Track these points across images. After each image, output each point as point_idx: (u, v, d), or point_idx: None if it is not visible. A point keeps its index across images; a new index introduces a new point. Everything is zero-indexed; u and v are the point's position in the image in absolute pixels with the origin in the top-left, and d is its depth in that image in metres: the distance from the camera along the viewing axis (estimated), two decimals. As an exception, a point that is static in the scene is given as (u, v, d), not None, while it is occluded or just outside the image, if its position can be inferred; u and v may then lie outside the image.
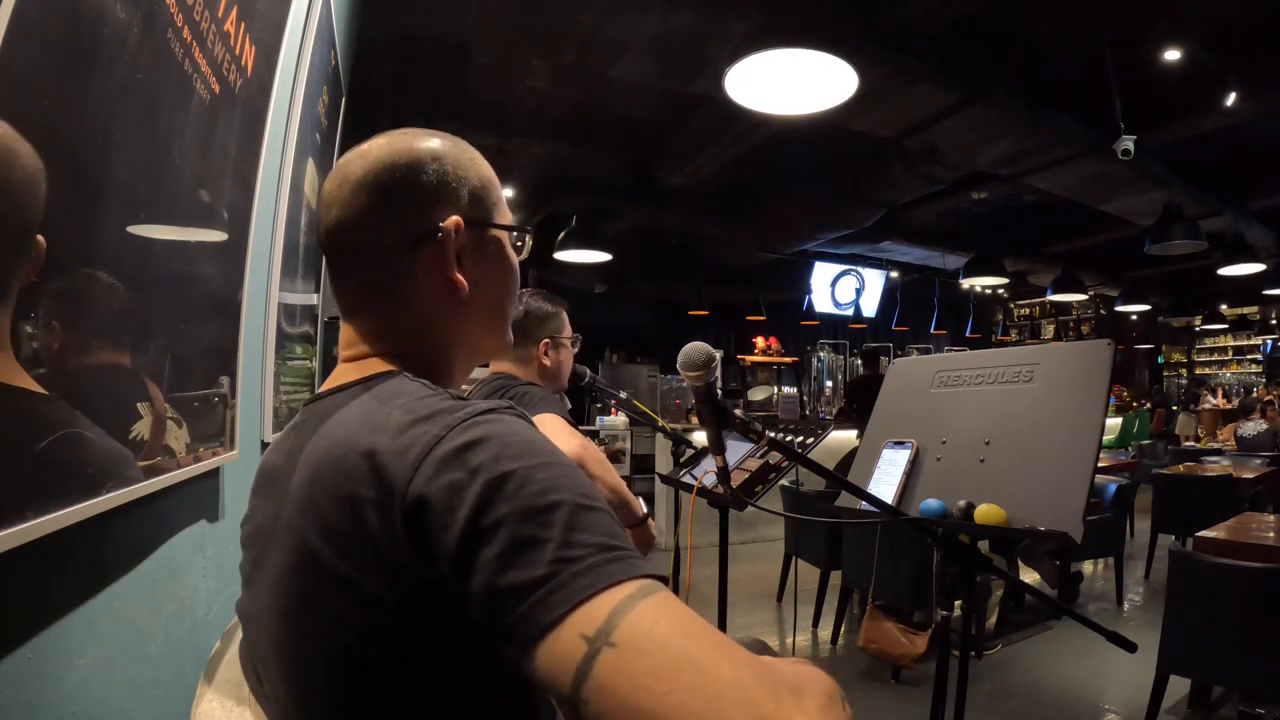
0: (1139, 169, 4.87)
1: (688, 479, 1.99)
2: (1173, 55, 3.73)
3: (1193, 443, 7.51)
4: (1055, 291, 7.60)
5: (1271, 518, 2.99)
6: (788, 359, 9.47)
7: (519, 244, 0.75)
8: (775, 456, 1.78)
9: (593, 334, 2.16)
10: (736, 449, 1.92)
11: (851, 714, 0.45)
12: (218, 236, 1.01)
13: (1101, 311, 12.06)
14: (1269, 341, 11.71)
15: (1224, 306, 11.36)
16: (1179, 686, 2.53)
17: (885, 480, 1.44)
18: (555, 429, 1.52)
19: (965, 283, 7.61)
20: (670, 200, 6.16)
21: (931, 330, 9.83)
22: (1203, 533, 2.62)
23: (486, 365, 1.80)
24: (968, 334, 10.44)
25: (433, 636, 0.53)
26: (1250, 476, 4.69)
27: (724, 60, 2.78)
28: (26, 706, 0.60)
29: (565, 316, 1.80)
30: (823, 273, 8.85)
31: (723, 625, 1.94)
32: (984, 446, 1.33)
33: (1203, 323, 10.87)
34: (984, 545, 3.25)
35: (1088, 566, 4.72)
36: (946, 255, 8.14)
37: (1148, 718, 2.42)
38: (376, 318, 0.69)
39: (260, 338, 1.35)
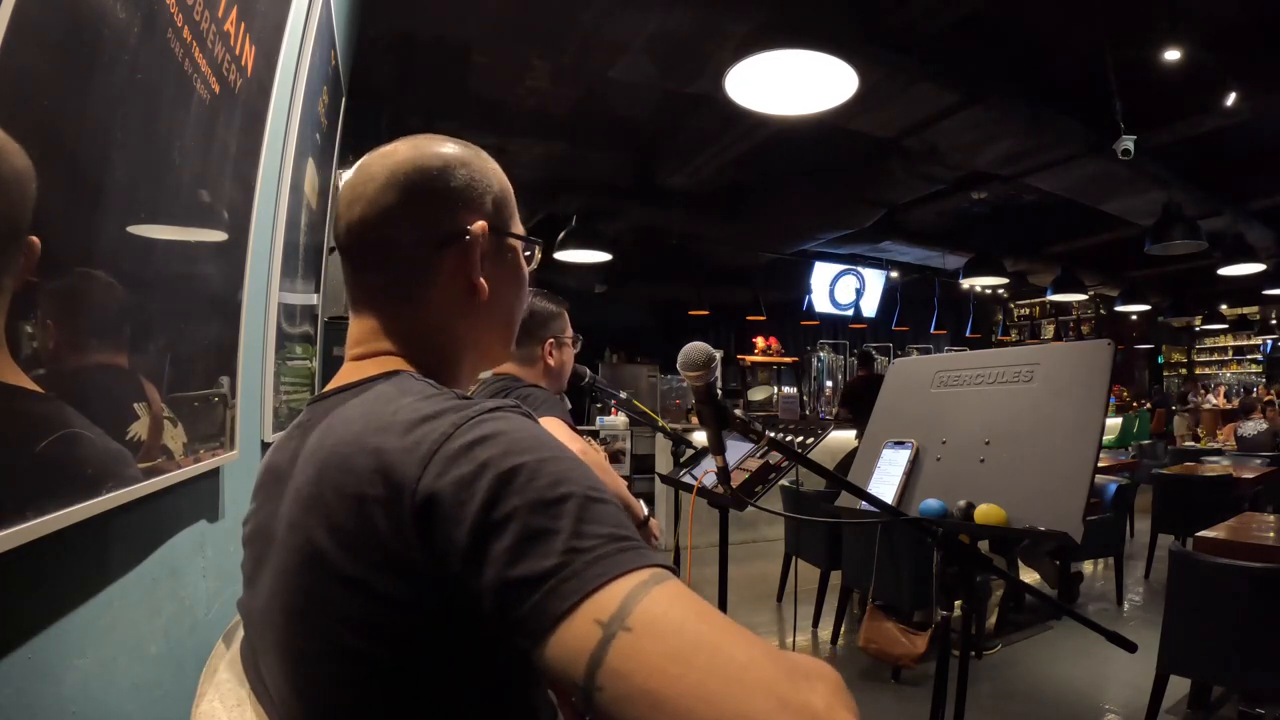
0: (1139, 169, 4.86)
1: (688, 479, 1.99)
2: (1173, 55, 3.73)
3: (1192, 443, 7.50)
4: (1055, 291, 7.60)
5: (1271, 518, 2.99)
6: (788, 359, 9.46)
7: (529, 255, 0.77)
8: (775, 456, 1.78)
9: (593, 334, 2.16)
10: (736, 449, 1.92)
11: (855, 704, 0.45)
12: (218, 236, 1.01)
13: (1101, 311, 12.06)
14: (1269, 341, 11.70)
15: (1224, 306, 11.36)
16: (1179, 686, 2.53)
17: (885, 480, 1.44)
18: (556, 432, 1.52)
19: (965, 283, 7.61)
20: (670, 200, 6.15)
21: (931, 330, 9.83)
22: (1203, 533, 2.62)
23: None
24: (968, 334, 10.44)
25: (438, 634, 0.53)
26: (1250, 476, 4.69)
27: (724, 60, 2.79)
28: (26, 706, 0.60)
29: (567, 317, 1.81)
30: (823, 273, 8.85)
31: (723, 625, 1.93)
32: (984, 446, 1.33)
33: (1203, 323, 10.87)
34: (984, 545, 3.25)
35: (1088, 566, 4.72)
36: (946, 255, 8.14)
37: (1148, 718, 2.42)
38: (391, 316, 0.70)
39: (260, 338, 1.35)
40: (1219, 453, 6.31)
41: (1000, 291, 10.61)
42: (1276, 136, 4.94)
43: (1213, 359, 12.64)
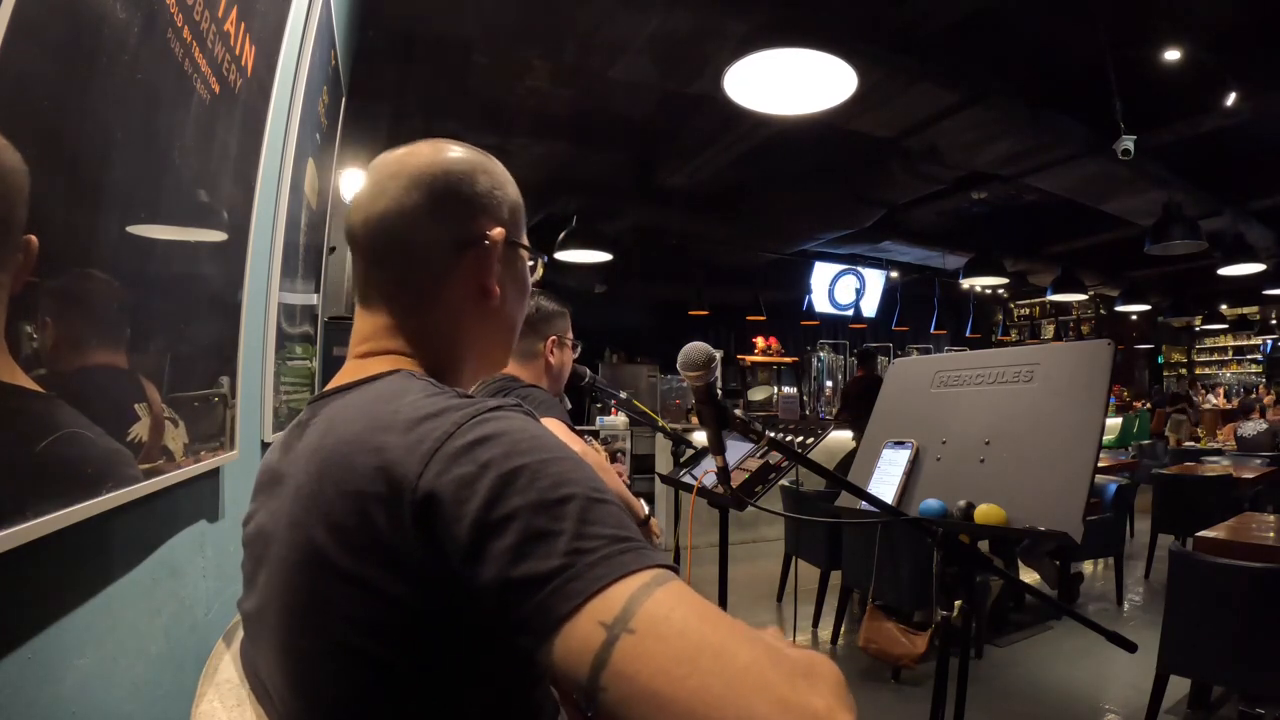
0: (1139, 169, 4.87)
1: (688, 479, 1.99)
2: (1173, 55, 3.73)
3: (1192, 443, 7.50)
4: (1055, 291, 7.61)
5: (1271, 518, 2.99)
6: (788, 359, 9.46)
7: (532, 266, 0.78)
8: (775, 456, 1.78)
9: (593, 334, 2.16)
10: (736, 449, 1.92)
11: (854, 702, 0.45)
12: (218, 236, 1.01)
13: (1101, 311, 12.06)
14: (1269, 341, 11.70)
15: (1224, 306, 11.36)
16: (1179, 686, 2.53)
17: (885, 480, 1.44)
18: (556, 433, 1.52)
19: (965, 283, 7.61)
20: (670, 200, 6.15)
21: (931, 330, 9.83)
22: (1203, 533, 2.62)
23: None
24: (968, 334, 10.45)
25: (438, 632, 0.53)
26: (1250, 476, 4.69)
27: (724, 60, 2.78)
28: (26, 706, 0.60)
29: (569, 319, 1.81)
30: (823, 273, 8.85)
31: (723, 625, 1.93)
32: (984, 446, 1.33)
33: (1203, 323, 10.87)
34: (983, 545, 3.25)
35: (1088, 566, 4.72)
36: (946, 255, 8.14)
37: (1148, 718, 2.42)
38: (402, 314, 0.70)
39: (260, 338, 1.35)
40: (1219, 453, 6.30)
41: (1000, 291, 10.61)
42: (1276, 136, 4.94)
43: (1213, 359, 12.64)
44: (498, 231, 0.71)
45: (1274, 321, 11.70)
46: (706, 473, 1.88)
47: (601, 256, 5.80)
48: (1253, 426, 6.39)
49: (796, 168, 5.72)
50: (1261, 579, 2.13)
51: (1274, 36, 3.67)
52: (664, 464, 5.31)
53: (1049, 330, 12.95)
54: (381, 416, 0.56)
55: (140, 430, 0.77)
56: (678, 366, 1.03)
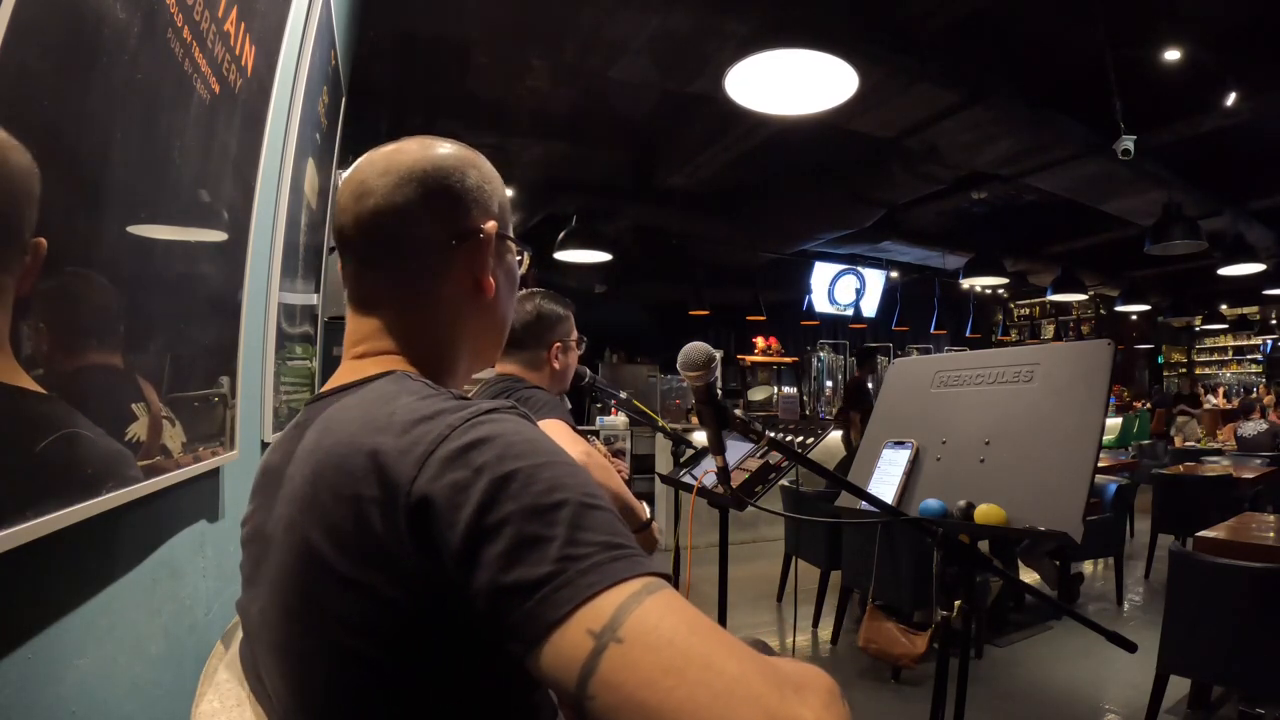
0: (1139, 169, 4.87)
1: (688, 479, 1.99)
2: (1173, 55, 3.73)
3: (1193, 443, 7.50)
4: (1055, 291, 7.61)
5: (1271, 518, 2.99)
6: (788, 359, 9.47)
7: (519, 260, 0.79)
8: (775, 456, 1.78)
9: (593, 334, 2.16)
10: (736, 449, 1.92)
11: (849, 713, 0.45)
12: (218, 236, 1.01)
13: (1101, 311, 12.07)
14: (1269, 341, 11.71)
15: (1224, 306, 11.36)
16: (1179, 686, 2.52)
17: (885, 480, 1.44)
18: (559, 435, 1.52)
19: (965, 283, 7.61)
20: (670, 200, 6.15)
21: (931, 330, 9.83)
22: (1203, 533, 2.62)
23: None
24: (968, 334, 10.44)
25: (435, 635, 0.53)
26: (1250, 476, 4.69)
27: (724, 60, 2.79)
28: (26, 706, 0.60)
29: (572, 319, 1.81)
30: (823, 273, 8.85)
31: (722, 625, 1.93)
32: (984, 446, 1.33)
33: (1203, 323, 10.87)
34: (983, 545, 3.24)
35: (1088, 566, 4.72)
36: (946, 255, 8.14)
37: (1148, 718, 2.42)
38: (396, 312, 0.70)
39: (260, 338, 1.35)
40: (1219, 453, 6.30)
41: (1000, 291, 10.62)
42: (1276, 136, 4.94)
43: (1213, 359, 12.64)
44: (490, 225, 0.71)
45: (1274, 321, 11.71)
46: (706, 473, 1.88)
47: (601, 256, 5.80)
48: (1253, 426, 6.39)
49: (796, 168, 5.72)
50: (1261, 579, 2.13)
51: (1274, 36, 3.67)
52: (664, 464, 5.31)
53: (1049, 330, 12.95)
54: (377, 419, 0.56)
55: (138, 430, 0.77)
56: (678, 366, 1.03)
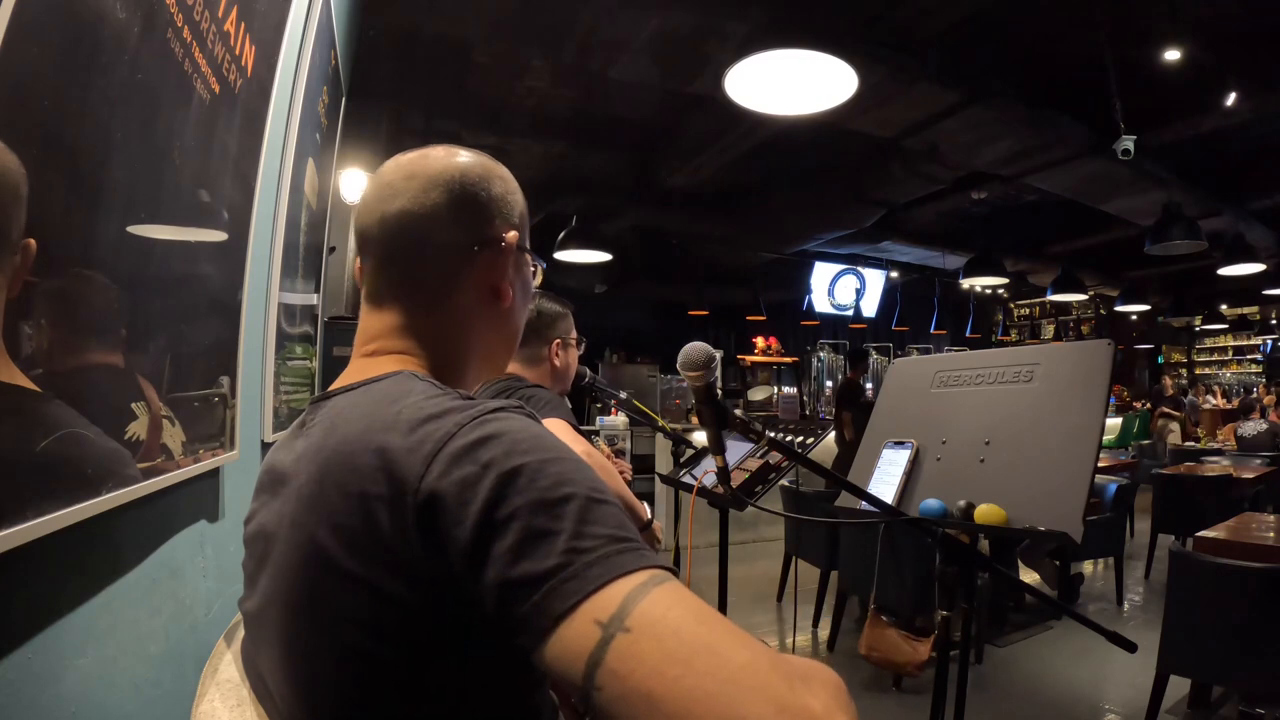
0: (1139, 169, 4.86)
1: (688, 479, 1.99)
2: (1173, 55, 3.73)
3: (1193, 443, 7.49)
4: (1055, 291, 7.60)
5: (1271, 518, 2.99)
6: (788, 359, 9.47)
7: (534, 271, 0.80)
8: (775, 456, 1.78)
9: (593, 334, 2.17)
10: (736, 449, 1.92)
11: (855, 709, 0.45)
12: (218, 236, 1.01)
13: (1101, 311, 12.07)
14: (1269, 341, 11.71)
15: (1224, 306, 11.36)
16: (1179, 686, 2.52)
17: (885, 480, 1.44)
18: (561, 434, 1.51)
19: (965, 283, 7.61)
20: (670, 200, 6.16)
21: (931, 330, 9.84)
22: (1203, 533, 2.62)
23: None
24: (968, 334, 10.45)
25: (439, 633, 0.53)
26: (1250, 476, 4.69)
27: (724, 60, 2.78)
28: (26, 706, 0.60)
29: (572, 319, 1.81)
30: (823, 273, 8.85)
31: (723, 625, 1.93)
32: (984, 446, 1.33)
33: (1203, 323, 10.86)
34: (983, 545, 3.24)
35: (1088, 566, 4.72)
36: (946, 255, 8.15)
37: (1148, 718, 2.42)
38: (413, 313, 0.70)
39: (260, 338, 1.35)
40: (1219, 453, 6.30)
41: (1000, 291, 10.61)
42: (1276, 136, 4.94)
43: (1213, 359, 12.64)
44: (512, 235, 0.72)
45: (1274, 321, 11.71)
46: (706, 473, 1.88)
47: (601, 256, 5.80)
48: (1253, 426, 6.39)
49: (796, 168, 5.72)
50: (1261, 579, 2.13)
51: (1274, 36, 3.67)
52: (664, 464, 5.31)
53: (1049, 330, 12.96)
54: (384, 417, 0.57)
55: (138, 429, 0.77)
56: (678, 366, 1.03)
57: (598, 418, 6.13)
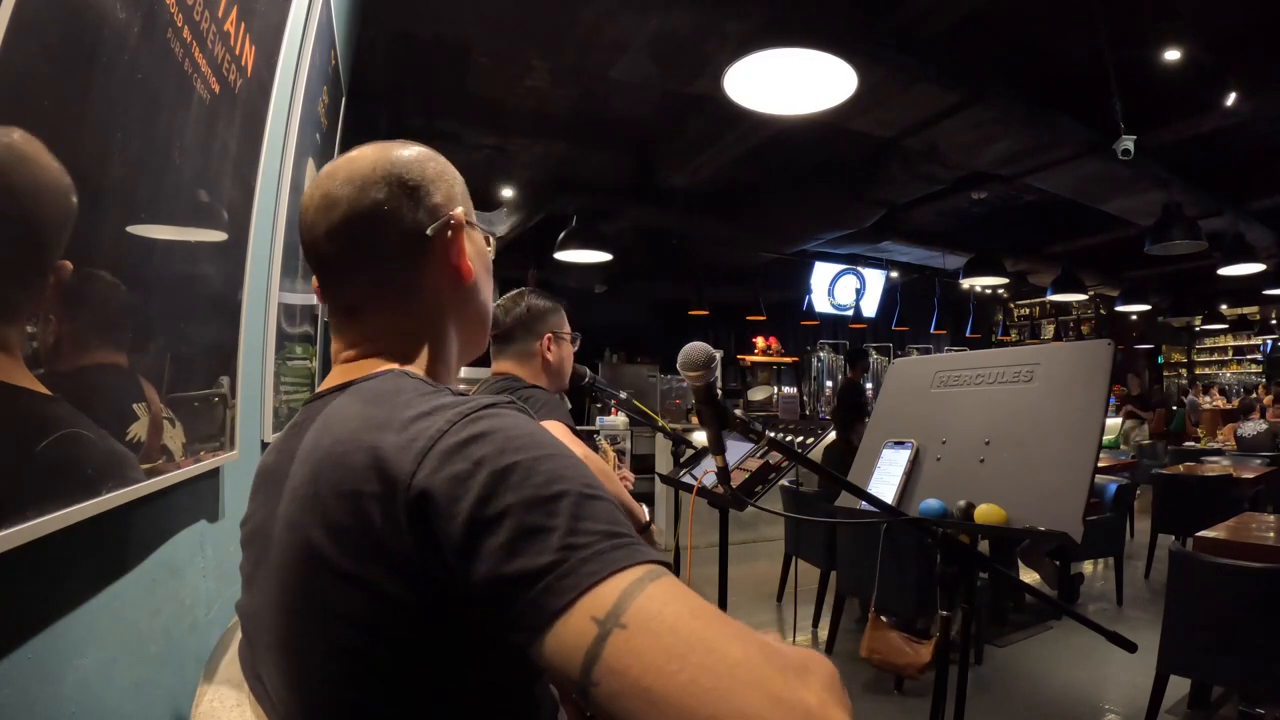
0: (1139, 169, 4.86)
1: (688, 479, 1.99)
2: (1173, 55, 3.73)
3: (1192, 443, 7.49)
4: (1055, 291, 7.60)
5: (1271, 518, 2.99)
6: (788, 359, 9.48)
7: (486, 241, 0.80)
8: (775, 456, 1.78)
9: (593, 334, 2.16)
10: (736, 449, 1.92)
11: (849, 700, 0.45)
12: (218, 236, 1.01)
13: (1101, 311, 12.07)
14: (1269, 341, 11.71)
15: (1224, 306, 11.36)
16: (1179, 686, 2.53)
17: (885, 480, 1.44)
18: (558, 436, 1.51)
19: (965, 283, 7.61)
20: (670, 200, 6.15)
21: (931, 330, 9.83)
22: (1203, 533, 2.62)
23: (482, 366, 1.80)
24: (968, 334, 10.44)
25: (436, 630, 0.53)
26: (1250, 476, 4.69)
27: (724, 60, 2.78)
28: (26, 706, 0.60)
29: (564, 314, 1.81)
30: (823, 273, 8.85)
31: (723, 625, 1.93)
32: (984, 446, 1.33)
33: (1203, 323, 10.86)
34: (983, 545, 3.24)
35: (1088, 566, 4.72)
36: (946, 255, 8.14)
37: (1148, 718, 2.42)
38: (381, 313, 0.70)
39: (260, 338, 1.35)
40: (1219, 453, 6.30)
41: (1000, 291, 10.61)
42: (1276, 136, 4.93)
43: (1213, 359, 12.64)
44: (458, 211, 0.72)
45: (1274, 321, 11.71)
46: (706, 473, 1.88)
47: (601, 256, 5.80)
48: (1253, 426, 6.40)
49: (796, 168, 5.72)
50: (1261, 579, 2.13)
51: (1274, 37, 3.67)
52: (664, 464, 5.31)
53: (1049, 330, 12.96)
54: (375, 416, 0.57)
55: (138, 430, 0.77)
56: (678, 366, 1.02)
57: (598, 418, 6.13)
